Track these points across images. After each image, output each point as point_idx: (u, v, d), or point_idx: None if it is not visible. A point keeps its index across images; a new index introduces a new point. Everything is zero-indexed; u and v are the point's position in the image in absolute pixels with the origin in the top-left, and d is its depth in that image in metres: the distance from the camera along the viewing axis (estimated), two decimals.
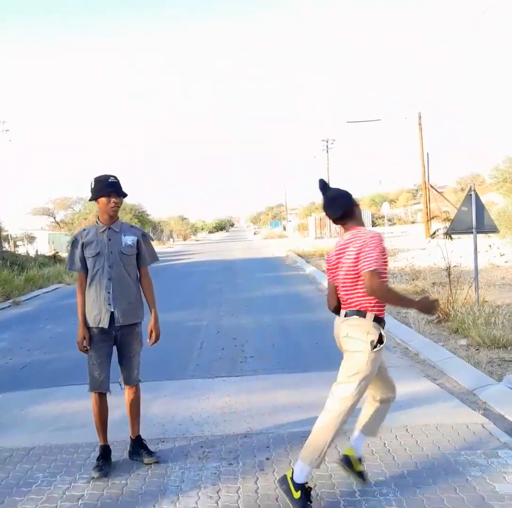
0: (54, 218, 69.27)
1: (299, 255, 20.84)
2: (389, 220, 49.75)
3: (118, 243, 3.48)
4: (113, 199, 3.41)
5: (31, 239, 46.73)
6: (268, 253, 25.81)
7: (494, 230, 8.60)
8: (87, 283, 3.47)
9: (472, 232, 8.14)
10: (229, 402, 4.69)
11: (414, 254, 17.18)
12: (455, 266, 10.39)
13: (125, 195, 3.45)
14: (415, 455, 3.42)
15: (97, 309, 3.43)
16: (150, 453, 3.56)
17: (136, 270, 3.57)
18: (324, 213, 3.23)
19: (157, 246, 47.01)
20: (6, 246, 39.28)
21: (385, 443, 3.63)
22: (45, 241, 45.38)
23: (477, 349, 5.90)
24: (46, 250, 36.65)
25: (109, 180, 3.40)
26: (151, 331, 3.60)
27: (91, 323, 3.45)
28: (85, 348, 3.45)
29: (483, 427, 3.77)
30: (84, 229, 3.59)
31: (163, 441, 3.89)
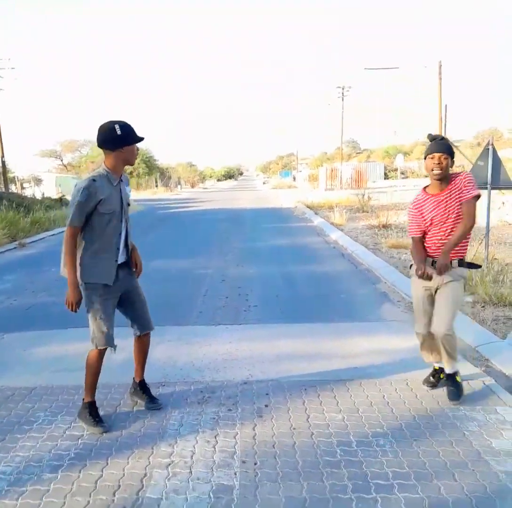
0: (61, 160, 68.85)
1: (308, 207, 20.64)
2: (402, 173, 48.90)
3: (125, 195, 3.36)
4: (137, 148, 3.26)
5: (38, 181, 46.60)
6: (277, 203, 25.60)
7: (510, 186, 8.40)
8: (91, 239, 3.19)
9: (487, 188, 7.96)
10: (230, 349, 4.73)
11: None
12: None
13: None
14: (413, 409, 3.45)
15: (104, 266, 3.25)
16: (152, 399, 3.61)
17: None
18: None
19: (164, 193, 46.95)
20: (13, 188, 39.27)
21: (384, 396, 3.66)
22: (52, 184, 45.25)
23: (483, 307, 5.87)
24: (52, 193, 36.61)
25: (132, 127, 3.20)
26: (136, 262, 3.51)
27: (96, 280, 3.24)
28: (76, 311, 3.23)
29: (484, 383, 3.78)
30: (94, 180, 3.15)
31: (164, 385, 3.95)
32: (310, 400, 3.63)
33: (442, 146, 3.42)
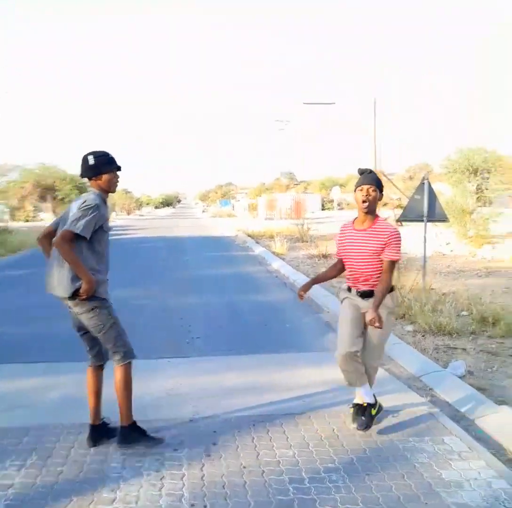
0: None
1: (249, 235, 20.78)
2: (339, 204, 50.48)
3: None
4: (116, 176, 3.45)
5: None
6: (217, 231, 25.61)
7: (444, 219, 8.84)
8: (91, 256, 3.25)
9: (422, 220, 8.32)
10: (174, 384, 4.58)
11: None
12: (404, 253, 10.62)
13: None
14: (364, 441, 3.45)
15: (104, 283, 3.36)
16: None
17: None
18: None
19: None
20: None
21: (334, 429, 3.64)
22: None
23: (424, 336, 6.05)
24: None
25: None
26: None
27: (105, 295, 3.36)
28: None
29: (430, 413, 3.85)
30: (96, 199, 3.26)
31: None
32: (259, 436, 3.55)
33: (370, 179, 3.51)
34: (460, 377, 4.60)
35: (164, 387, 4.50)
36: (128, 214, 62.86)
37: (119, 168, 3.42)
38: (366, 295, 3.53)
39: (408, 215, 8.55)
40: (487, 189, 17.17)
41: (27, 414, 3.93)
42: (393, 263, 3.46)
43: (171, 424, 3.75)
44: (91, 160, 3.31)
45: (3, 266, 13.75)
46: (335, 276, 3.86)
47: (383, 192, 3.60)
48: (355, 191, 3.56)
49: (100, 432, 3.45)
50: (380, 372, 4.82)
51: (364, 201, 3.46)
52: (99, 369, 3.48)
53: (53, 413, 3.88)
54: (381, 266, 3.46)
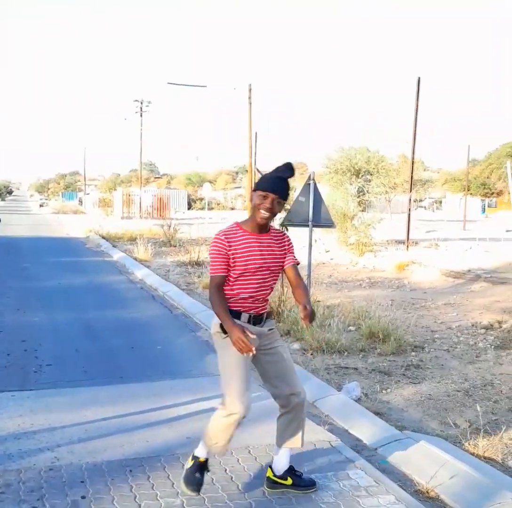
0: None
1: (103, 237, 20.15)
2: (209, 203, 51.09)
3: None
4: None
5: None
6: (62, 231, 24.50)
7: (330, 224, 9.27)
8: None
9: (308, 225, 8.63)
10: (23, 425, 4.24)
11: None
12: None
13: None
14: (261, 482, 3.46)
15: None
16: None
17: None
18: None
19: None
20: None
21: (226, 469, 3.62)
22: None
23: (312, 354, 6.30)
24: None
25: None
26: None
27: None
28: None
29: (330, 444, 4.01)
30: None
31: None
32: (138, 484, 3.40)
33: (281, 186, 3.21)
34: (355, 401, 4.85)
35: (11, 429, 4.15)
36: None
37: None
38: (260, 320, 3.29)
39: (293, 219, 8.75)
40: (368, 192, 18.48)
41: None
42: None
43: (25, 474, 3.46)
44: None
45: None
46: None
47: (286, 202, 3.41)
48: (254, 190, 3.28)
49: None
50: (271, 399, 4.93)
51: (263, 212, 3.19)
52: None
53: None
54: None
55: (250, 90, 27.90)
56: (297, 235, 12.99)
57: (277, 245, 3.35)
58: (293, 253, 3.43)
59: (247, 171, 28.45)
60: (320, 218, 8.70)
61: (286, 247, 3.37)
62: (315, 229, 9.49)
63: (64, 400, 4.82)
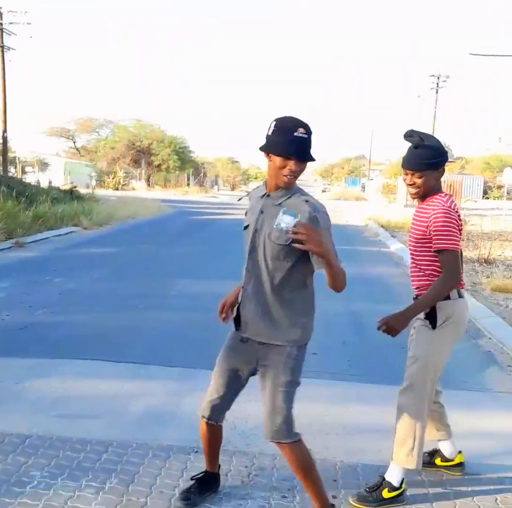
0: (74, 142, 70.71)
1: (382, 226, 20.41)
2: (509, 192, 47.70)
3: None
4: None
5: (43, 165, 48.00)
6: (341, 218, 25.36)
7: None
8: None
9: None
10: None
11: None
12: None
13: None
14: None
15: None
16: None
17: None
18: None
19: (197, 194, 47.38)
20: (13, 171, 40.52)
21: None
22: (60, 170, 46.48)
23: None
24: (61, 181, 37.47)
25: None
26: None
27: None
28: None
29: None
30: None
31: None
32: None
33: (414, 161, 3.27)
34: None
35: None
36: (233, 189, 64.59)
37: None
38: None
39: None
40: None
41: (108, 425, 4.13)
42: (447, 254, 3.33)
43: (280, 462, 3.70)
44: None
45: (88, 242, 14.67)
46: None
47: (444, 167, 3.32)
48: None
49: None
50: None
51: (410, 188, 3.38)
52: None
53: (138, 427, 4.04)
54: None
55: None
56: None
57: (422, 225, 3.39)
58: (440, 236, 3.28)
59: None
60: None
61: (433, 233, 3.31)
62: None
63: (326, 392, 5.04)
